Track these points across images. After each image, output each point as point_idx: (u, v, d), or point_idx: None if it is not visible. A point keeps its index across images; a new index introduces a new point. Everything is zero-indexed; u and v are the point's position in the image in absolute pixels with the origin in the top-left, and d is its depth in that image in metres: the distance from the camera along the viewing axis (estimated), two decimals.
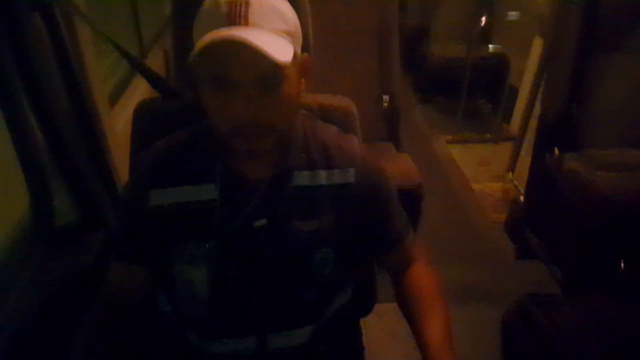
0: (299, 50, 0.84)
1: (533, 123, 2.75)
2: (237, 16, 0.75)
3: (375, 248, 1.07)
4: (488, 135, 3.90)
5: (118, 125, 1.59)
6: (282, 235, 0.93)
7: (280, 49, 0.76)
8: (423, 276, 1.05)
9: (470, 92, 3.90)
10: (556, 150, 2.24)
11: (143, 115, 1.15)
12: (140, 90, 1.91)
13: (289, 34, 0.80)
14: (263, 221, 0.92)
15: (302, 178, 0.94)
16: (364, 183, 0.97)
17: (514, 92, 3.63)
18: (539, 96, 2.67)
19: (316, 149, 0.97)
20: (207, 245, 0.91)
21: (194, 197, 0.91)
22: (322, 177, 0.95)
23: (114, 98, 1.86)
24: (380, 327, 1.08)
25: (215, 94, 0.80)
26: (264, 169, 0.92)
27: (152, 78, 1.24)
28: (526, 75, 3.33)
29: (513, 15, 3.67)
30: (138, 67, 1.29)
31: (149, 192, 0.91)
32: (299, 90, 0.88)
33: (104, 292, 0.98)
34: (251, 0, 0.76)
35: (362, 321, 1.30)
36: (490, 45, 4.19)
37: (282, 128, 0.86)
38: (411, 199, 1.90)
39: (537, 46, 3.15)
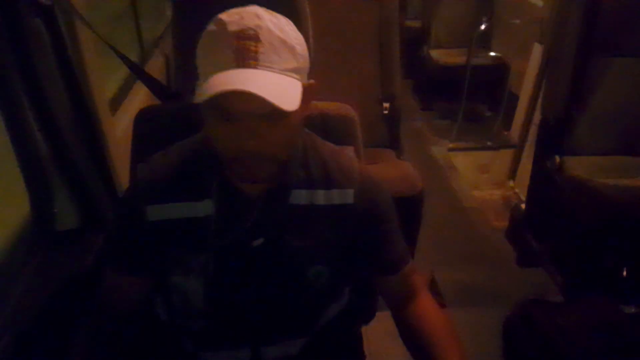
0: (305, 80, 0.83)
1: (534, 129, 2.75)
2: (247, 56, 0.74)
3: (372, 270, 1.05)
4: (489, 143, 3.91)
5: (119, 129, 1.59)
6: (277, 251, 0.93)
7: (289, 94, 0.75)
8: (431, 311, 1.01)
9: (470, 97, 3.90)
10: (557, 157, 2.23)
11: (144, 122, 1.15)
12: (141, 96, 1.91)
13: (297, 71, 0.79)
14: (260, 240, 0.92)
15: (300, 197, 0.94)
16: (363, 204, 0.96)
17: (514, 98, 3.64)
18: (539, 102, 2.67)
19: (316, 167, 0.96)
20: (203, 260, 0.91)
21: (191, 213, 0.91)
22: (321, 196, 0.95)
23: (117, 103, 1.86)
24: (382, 334, 1.08)
25: (218, 124, 0.79)
26: (262, 186, 0.92)
27: (151, 83, 1.25)
28: (526, 81, 3.33)
29: (513, 21, 3.68)
30: (137, 72, 1.29)
31: (146, 208, 0.91)
32: (302, 117, 0.87)
33: (98, 300, 0.98)
34: (261, 34, 0.74)
35: (363, 328, 1.30)
36: (491, 54, 4.20)
37: (280, 158, 0.85)
38: (412, 206, 1.90)
39: (536, 51, 3.16)
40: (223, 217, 0.91)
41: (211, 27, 0.77)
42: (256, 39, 0.74)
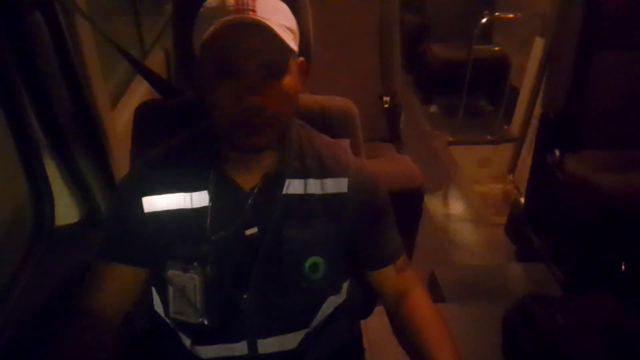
0: (297, 51, 0.86)
1: (534, 123, 2.75)
2: (245, 9, 0.77)
3: (366, 263, 1.05)
4: (489, 137, 3.90)
5: (119, 124, 1.58)
6: (273, 243, 0.93)
7: (290, 38, 0.80)
8: (424, 306, 1.01)
9: (471, 92, 3.89)
10: (557, 151, 2.23)
11: (144, 116, 1.15)
12: (141, 90, 1.90)
13: (292, 31, 0.83)
14: (254, 229, 0.93)
15: (295, 186, 0.94)
16: (358, 194, 0.97)
17: (515, 92, 3.63)
18: (540, 96, 2.66)
19: (310, 158, 0.97)
20: (199, 252, 0.91)
21: (187, 205, 0.92)
22: (315, 185, 0.95)
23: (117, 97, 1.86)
24: (381, 328, 1.08)
25: (219, 83, 0.80)
26: (256, 176, 0.93)
27: (152, 78, 1.24)
28: (527, 74, 3.32)
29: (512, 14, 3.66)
30: (138, 67, 1.29)
31: (142, 199, 0.91)
32: (298, 90, 0.88)
33: (81, 295, 0.95)
34: None
35: (362, 322, 1.30)
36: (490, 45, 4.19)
37: (282, 122, 0.86)
38: (412, 200, 1.90)
39: (538, 45, 3.14)
40: (219, 209, 0.92)
41: (208, 3, 0.83)
42: None
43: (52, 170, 1.31)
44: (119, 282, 0.95)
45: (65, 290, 1.19)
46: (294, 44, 0.81)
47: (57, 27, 1.21)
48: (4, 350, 1.00)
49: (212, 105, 0.83)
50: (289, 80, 0.83)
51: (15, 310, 1.09)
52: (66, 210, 1.36)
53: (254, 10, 0.77)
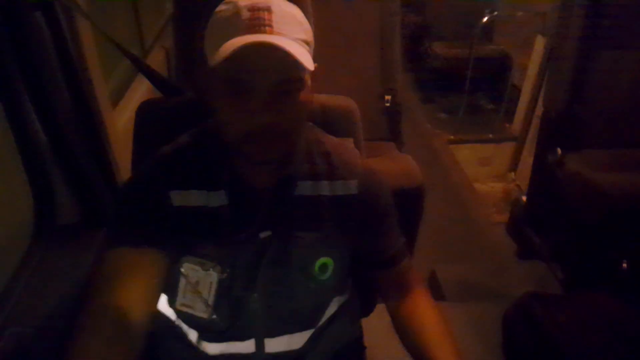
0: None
1: (536, 122, 2.75)
2: (261, 24, 0.75)
3: (370, 264, 1.06)
4: (490, 135, 3.90)
5: (120, 123, 1.59)
6: (285, 244, 0.94)
7: (305, 56, 0.77)
8: (426, 307, 1.03)
9: (472, 91, 3.89)
10: (559, 150, 2.23)
11: (145, 115, 1.15)
12: (142, 89, 1.90)
13: (307, 44, 0.81)
14: (268, 233, 0.93)
15: (305, 188, 0.95)
16: (366, 195, 0.98)
17: (516, 91, 3.63)
18: (542, 95, 2.66)
19: (319, 159, 0.97)
20: (220, 252, 0.92)
21: (207, 202, 0.91)
22: (325, 187, 0.96)
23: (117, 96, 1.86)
24: (382, 326, 1.08)
25: (231, 99, 0.79)
26: (269, 177, 0.93)
27: (153, 77, 1.24)
28: (528, 73, 3.32)
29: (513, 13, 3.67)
30: (139, 66, 1.29)
31: (169, 192, 0.90)
32: (311, 99, 0.87)
33: (101, 290, 0.83)
34: (273, 8, 0.77)
35: (363, 321, 1.30)
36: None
37: (294, 136, 0.86)
38: (413, 199, 1.90)
39: (539, 44, 3.14)
40: (234, 209, 0.92)
41: (221, 7, 0.80)
42: (268, 10, 0.76)
43: (54, 169, 1.31)
44: (146, 271, 0.86)
45: (65, 289, 1.19)
46: (310, 61, 0.78)
47: (58, 27, 1.21)
48: (5, 350, 1.00)
49: (222, 119, 0.83)
50: (302, 96, 0.82)
51: (16, 309, 1.09)
52: (68, 209, 1.36)
53: (270, 25, 0.75)
